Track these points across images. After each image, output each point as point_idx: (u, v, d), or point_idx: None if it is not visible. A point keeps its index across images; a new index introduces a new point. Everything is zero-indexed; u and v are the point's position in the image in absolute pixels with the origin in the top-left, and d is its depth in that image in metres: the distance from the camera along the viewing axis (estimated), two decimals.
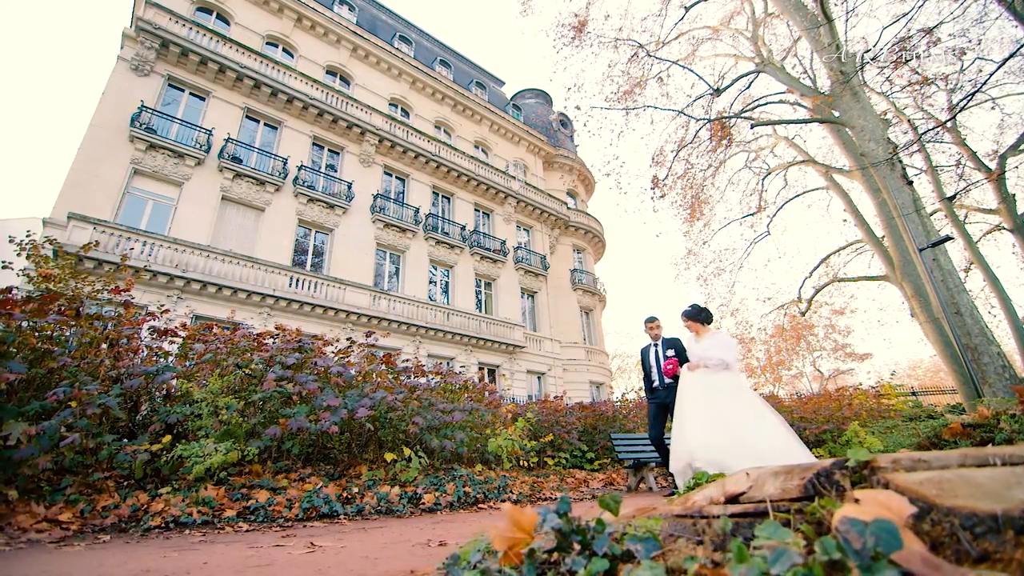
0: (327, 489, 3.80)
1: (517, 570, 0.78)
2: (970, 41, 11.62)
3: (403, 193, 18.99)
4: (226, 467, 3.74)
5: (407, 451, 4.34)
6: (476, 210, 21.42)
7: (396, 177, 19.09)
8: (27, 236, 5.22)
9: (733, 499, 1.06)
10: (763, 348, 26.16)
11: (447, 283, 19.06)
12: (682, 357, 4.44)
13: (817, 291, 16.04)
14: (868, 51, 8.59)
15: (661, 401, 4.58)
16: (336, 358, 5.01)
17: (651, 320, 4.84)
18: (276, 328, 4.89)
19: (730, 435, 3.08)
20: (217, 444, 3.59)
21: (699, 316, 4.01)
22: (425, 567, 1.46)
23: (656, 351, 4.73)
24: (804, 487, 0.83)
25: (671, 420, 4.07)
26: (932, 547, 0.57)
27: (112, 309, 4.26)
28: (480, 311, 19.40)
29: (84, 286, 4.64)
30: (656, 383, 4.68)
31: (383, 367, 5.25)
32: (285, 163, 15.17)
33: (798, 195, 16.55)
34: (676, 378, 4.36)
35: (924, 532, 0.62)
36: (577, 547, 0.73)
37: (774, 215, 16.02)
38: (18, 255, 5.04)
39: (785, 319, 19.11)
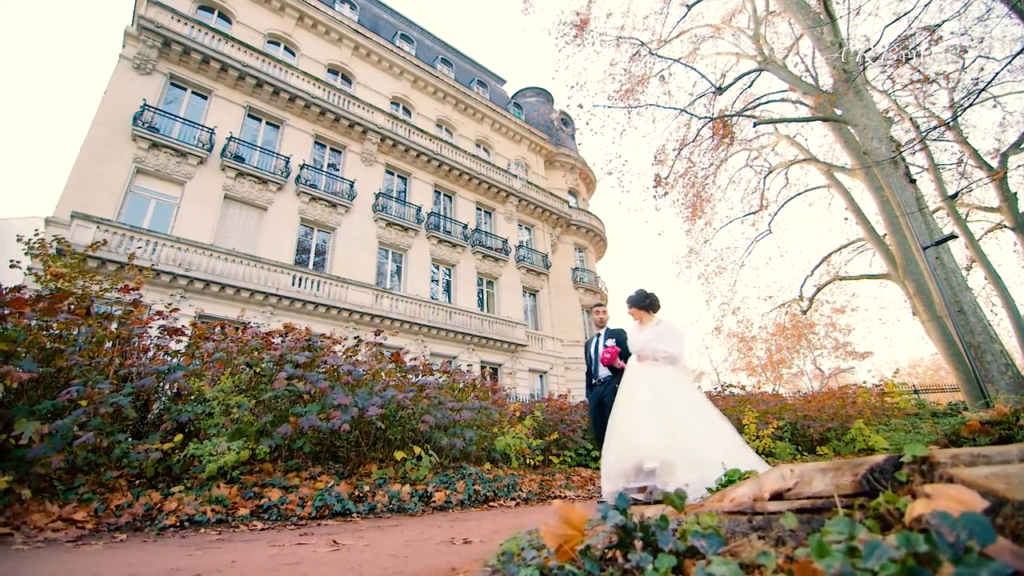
0: (338, 487, 3.80)
1: (575, 565, 0.78)
2: (972, 39, 11.61)
3: (405, 192, 18.98)
4: (237, 466, 3.74)
5: (417, 449, 4.34)
6: (478, 209, 21.41)
7: (398, 176, 19.07)
8: (35, 235, 5.22)
9: (777, 496, 1.06)
10: (764, 346, 26.19)
11: (449, 282, 19.06)
12: (623, 348, 3.97)
13: (818, 289, 16.05)
14: (869, 50, 8.59)
15: (599, 397, 4.05)
16: (344, 357, 5.01)
17: (597, 306, 4.38)
18: (285, 327, 4.88)
19: (675, 436, 2.82)
20: (229, 443, 3.59)
21: (642, 303, 3.66)
22: (465, 565, 1.45)
23: (596, 342, 4.23)
24: (859, 483, 0.83)
25: None
26: (1012, 540, 0.57)
27: (119, 308, 4.25)
28: (482, 310, 19.40)
29: (92, 285, 4.64)
30: (594, 377, 4.19)
31: (391, 366, 5.24)
32: (287, 162, 15.14)
33: (799, 193, 16.57)
34: (613, 369, 3.96)
35: (997, 526, 0.62)
36: (639, 544, 0.73)
37: (775, 213, 16.04)
38: (26, 254, 5.04)
39: (786, 317, 19.13)
